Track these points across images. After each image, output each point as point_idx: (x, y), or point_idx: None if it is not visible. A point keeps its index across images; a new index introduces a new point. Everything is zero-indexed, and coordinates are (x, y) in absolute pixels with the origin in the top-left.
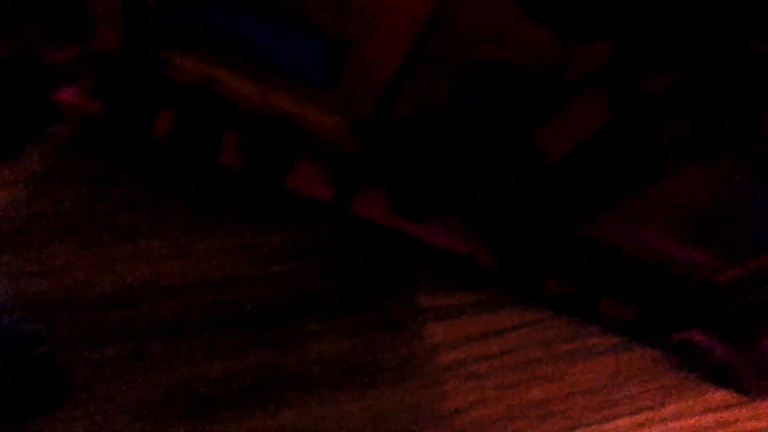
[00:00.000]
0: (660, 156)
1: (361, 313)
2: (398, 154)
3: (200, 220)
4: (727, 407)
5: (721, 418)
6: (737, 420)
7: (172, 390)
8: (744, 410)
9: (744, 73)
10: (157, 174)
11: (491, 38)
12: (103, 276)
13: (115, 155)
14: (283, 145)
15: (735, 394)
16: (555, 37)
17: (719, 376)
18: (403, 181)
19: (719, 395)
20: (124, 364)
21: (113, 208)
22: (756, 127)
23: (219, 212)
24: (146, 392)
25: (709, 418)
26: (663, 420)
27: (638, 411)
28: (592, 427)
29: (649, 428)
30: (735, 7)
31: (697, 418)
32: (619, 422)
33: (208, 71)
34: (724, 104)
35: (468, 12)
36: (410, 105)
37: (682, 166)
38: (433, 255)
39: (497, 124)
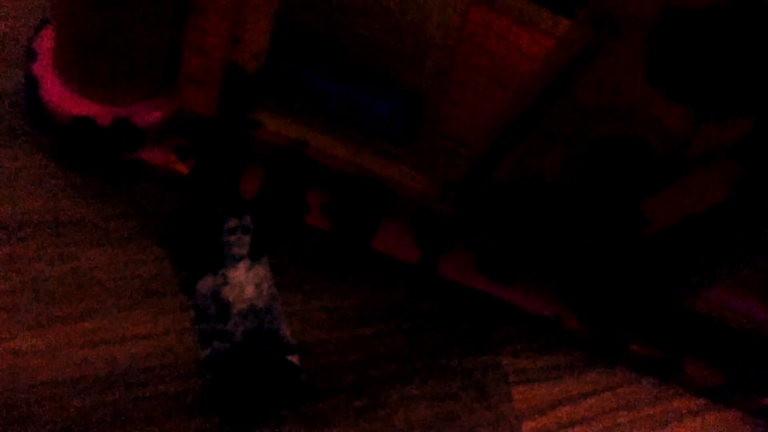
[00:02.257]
0: None
1: (445, 378)
2: (491, 217)
3: (284, 280)
4: None
5: None
6: None
7: None
8: None
9: None
10: (260, 226)
11: (616, 115)
12: (184, 343)
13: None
14: (369, 205)
15: None
16: (684, 113)
17: None
18: (493, 244)
19: None
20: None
21: None
22: None
23: (302, 272)
24: None
25: None
26: None
27: None
28: None
29: None
30: None
31: None
32: None
33: (297, 133)
34: None
35: (594, 91)
36: (511, 172)
37: None
38: (517, 317)
39: (611, 196)
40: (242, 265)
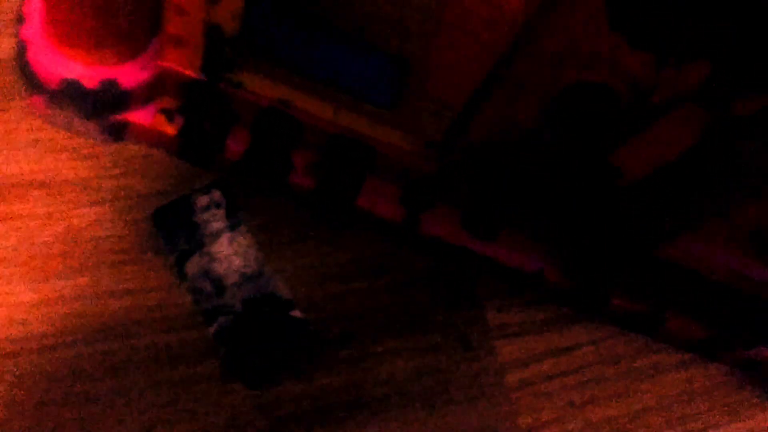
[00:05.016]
0: (746, 179)
1: (430, 331)
2: (471, 173)
3: (271, 239)
4: None
5: None
6: None
7: (254, 410)
8: None
9: None
10: (231, 195)
11: (581, 61)
12: (175, 298)
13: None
14: (353, 164)
15: None
16: (647, 59)
17: None
18: (475, 200)
19: None
20: (199, 384)
21: None
22: None
23: (289, 231)
24: (231, 413)
25: None
26: None
27: (707, 428)
28: None
29: None
30: None
31: None
32: None
33: (281, 93)
34: None
35: (559, 38)
36: (488, 127)
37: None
38: (501, 272)
39: (580, 146)
40: (224, 239)
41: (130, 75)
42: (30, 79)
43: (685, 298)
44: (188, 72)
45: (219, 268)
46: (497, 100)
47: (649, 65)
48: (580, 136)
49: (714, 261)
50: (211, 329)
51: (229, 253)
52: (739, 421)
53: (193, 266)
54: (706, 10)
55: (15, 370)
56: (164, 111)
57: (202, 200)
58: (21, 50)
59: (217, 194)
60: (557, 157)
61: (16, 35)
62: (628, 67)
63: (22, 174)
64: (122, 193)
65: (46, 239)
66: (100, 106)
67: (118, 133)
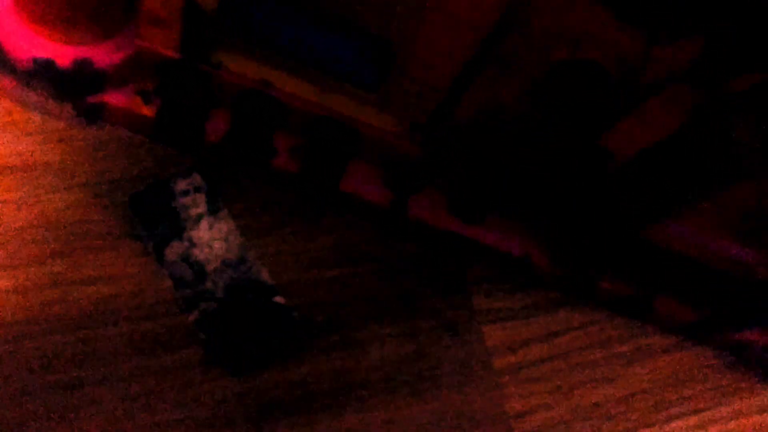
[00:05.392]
0: (735, 160)
1: (417, 316)
2: (458, 156)
3: (254, 224)
4: None
5: None
6: None
7: (238, 397)
8: None
9: None
10: (212, 179)
11: (570, 39)
12: (154, 284)
13: (167, 160)
14: (337, 148)
15: None
16: (637, 37)
17: None
18: (461, 183)
19: None
20: (181, 372)
21: None
22: None
23: (271, 216)
24: (215, 400)
25: (766, 418)
26: (720, 420)
27: (696, 412)
28: (654, 428)
29: (708, 429)
30: None
31: (755, 417)
32: (679, 423)
33: (262, 74)
34: None
35: (546, 14)
36: (473, 108)
37: (757, 171)
38: (488, 257)
39: (570, 127)
40: (204, 224)
41: (105, 55)
42: (1, 59)
43: (674, 281)
44: (166, 51)
45: (199, 253)
46: (483, 81)
47: (639, 43)
48: (569, 116)
49: (704, 244)
50: (192, 316)
51: (210, 238)
52: (728, 403)
53: (172, 252)
54: None
55: None
56: (141, 92)
57: (182, 184)
58: None
59: (197, 178)
60: (546, 139)
61: None
62: (618, 45)
63: None
64: (98, 177)
65: (19, 224)
66: (74, 87)
67: (93, 115)
